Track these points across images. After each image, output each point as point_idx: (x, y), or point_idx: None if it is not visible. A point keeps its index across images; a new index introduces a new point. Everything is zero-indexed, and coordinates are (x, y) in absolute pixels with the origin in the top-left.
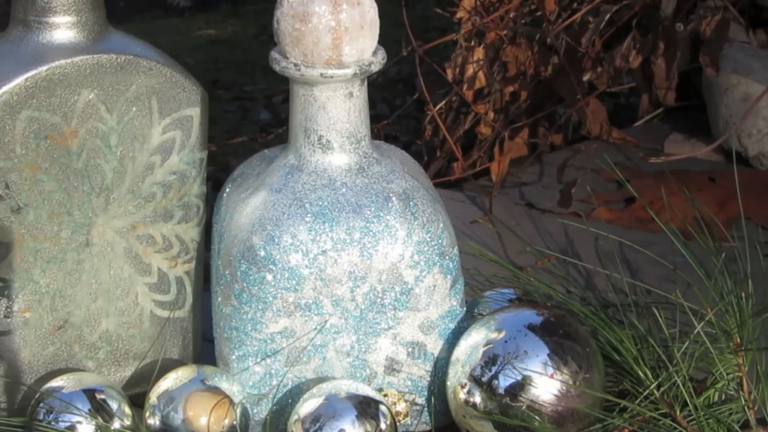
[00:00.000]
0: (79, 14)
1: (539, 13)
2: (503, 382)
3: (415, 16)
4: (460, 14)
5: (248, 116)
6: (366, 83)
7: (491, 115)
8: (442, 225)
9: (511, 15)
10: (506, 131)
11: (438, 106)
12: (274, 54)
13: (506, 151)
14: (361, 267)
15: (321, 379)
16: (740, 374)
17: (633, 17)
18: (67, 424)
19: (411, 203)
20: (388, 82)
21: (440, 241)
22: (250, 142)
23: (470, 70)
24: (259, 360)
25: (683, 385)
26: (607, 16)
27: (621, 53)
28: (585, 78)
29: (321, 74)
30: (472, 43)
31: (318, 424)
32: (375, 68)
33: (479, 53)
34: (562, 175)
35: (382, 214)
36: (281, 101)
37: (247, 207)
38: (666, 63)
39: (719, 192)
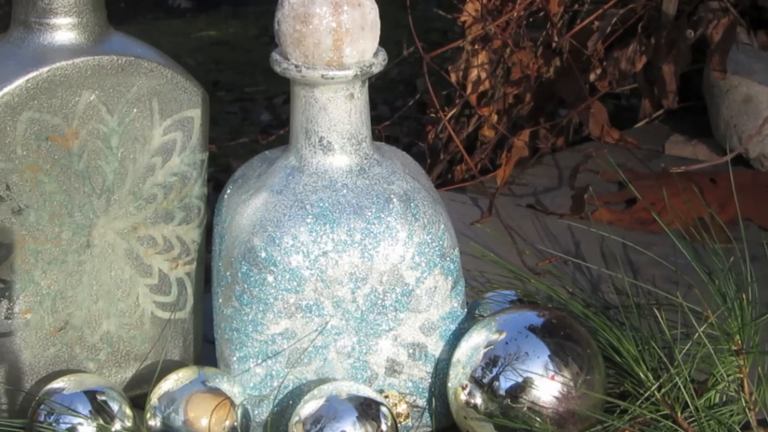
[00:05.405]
0: (80, 16)
1: (542, 14)
2: (504, 384)
3: (416, 17)
4: (464, 18)
5: (249, 117)
6: (367, 84)
7: (495, 117)
8: (443, 226)
9: (515, 17)
10: (515, 137)
11: (449, 115)
12: (275, 55)
13: (513, 156)
14: (362, 268)
15: (322, 381)
16: (741, 375)
17: (638, 21)
18: (68, 425)
19: (412, 204)
20: (389, 84)
21: (441, 243)
22: (251, 144)
23: (474, 73)
24: (260, 361)
25: (684, 387)
26: (614, 20)
27: (627, 57)
28: (591, 79)
29: (322, 75)
30: (476, 46)
31: (319, 426)
32: (376, 69)
33: (483, 57)
34: (574, 181)
35: (383, 216)
36: (282, 102)
37: (248, 208)
38: (670, 67)
39: (720, 193)
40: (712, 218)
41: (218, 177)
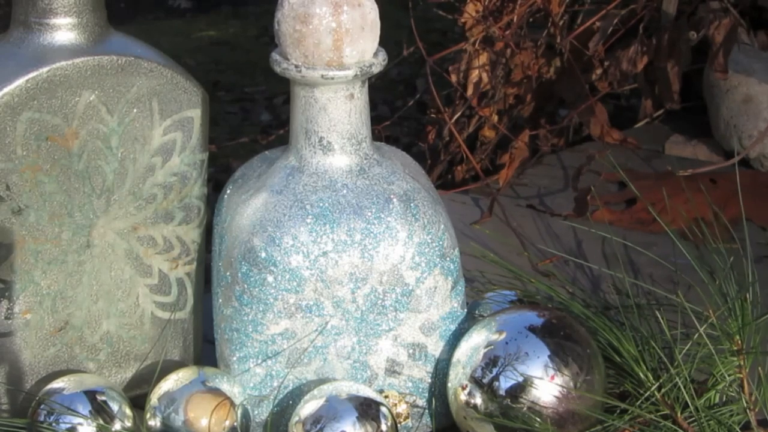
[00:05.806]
0: (80, 16)
1: (542, 14)
2: (504, 384)
3: (416, 17)
4: (464, 19)
5: (249, 118)
6: (367, 85)
7: (495, 117)
8: (443, 226)
9: (516, 19)
10: (518, 139)
11: (454, 118)
12: (274, 55)
13: (516, 157)
14: (361, 268)
15: (322, 381)
16: (741, 375)
17: (639, 21)
18: (68, 425)
19: (412, 205)
20: (389, 84)
21: (441, 243)
22: (251, 144)
23: (475, 74)
24: (260, 361)
25: (684, 387)
26: (615, 21)
27: (628, 57)
28: (592, 79)
29: (322, 76)
30: (476, 46)
31: (319, 426)
32: (376, 70)
33: (483, 58)
34: (577, 183)
35: (382, 216)
36: (282, 102)
37: (248, 208)
38: (672, 67)
39: (720, 193)
40: (716, 217)
41: (218, 177)
